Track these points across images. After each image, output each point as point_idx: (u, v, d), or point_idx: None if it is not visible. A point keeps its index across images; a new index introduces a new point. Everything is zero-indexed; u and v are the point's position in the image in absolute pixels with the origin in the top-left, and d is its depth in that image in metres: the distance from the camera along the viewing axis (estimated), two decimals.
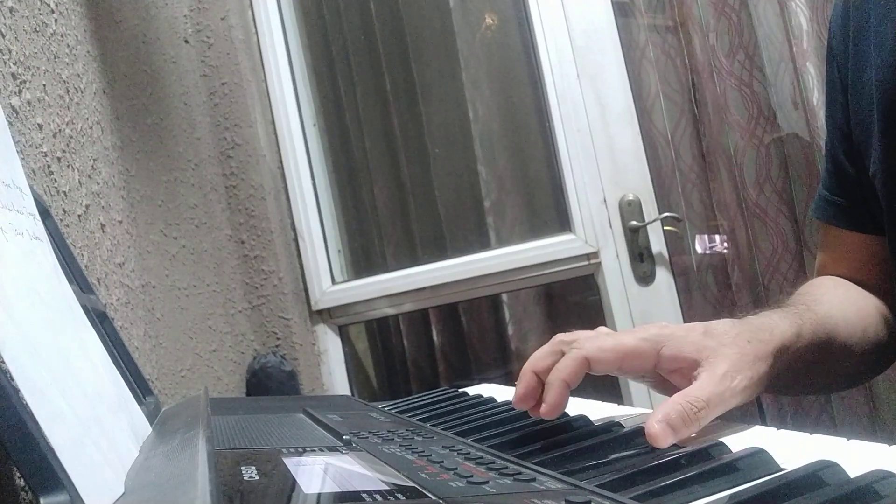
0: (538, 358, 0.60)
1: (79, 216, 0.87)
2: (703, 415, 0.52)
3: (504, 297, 1.85)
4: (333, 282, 1.72)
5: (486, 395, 0.83)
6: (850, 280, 0.81)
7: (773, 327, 0.61)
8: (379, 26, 1.82)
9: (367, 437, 0.57)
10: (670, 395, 0.54)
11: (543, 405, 0.56)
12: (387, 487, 0.40)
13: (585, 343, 0.57)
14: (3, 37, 0.76)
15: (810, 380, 0.70)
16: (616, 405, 0.67)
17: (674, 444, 0.51)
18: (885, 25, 0.72)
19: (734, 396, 0.54)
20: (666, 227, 1.53)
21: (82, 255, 0.85)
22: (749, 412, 1.54)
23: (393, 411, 0.79)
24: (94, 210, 0.92)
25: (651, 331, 0.58)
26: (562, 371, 0.56)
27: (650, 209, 1.51)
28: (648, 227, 1.51)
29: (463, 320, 1.91)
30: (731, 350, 0.56)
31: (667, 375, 0.59)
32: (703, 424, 0.52)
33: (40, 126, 0.80)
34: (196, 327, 1.29)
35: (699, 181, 1.59)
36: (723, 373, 0.54)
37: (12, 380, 0.38)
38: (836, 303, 0.73)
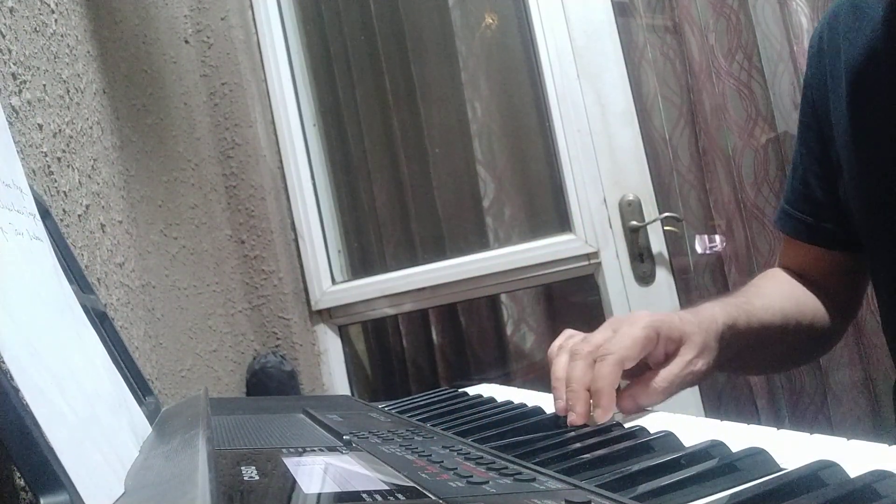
0: (581, 373, 0.65)
1: (79, 216, 0.87)
2: (666, 393, 0.65)
3: (504, 297, 1.85)
4: (333, 282, 1.72)
5: (486, 395, 0.83)
6: (805, 279, 0.90)
7: (714, 317, 0.72)
8: (378, 26, 1.82)
9: (367, 437, 0.57)
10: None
11: (599, 410, 0.62)
12: (387, 487, 0.40)
13: (610, 346, 0.65)
14: (3, 37, 0.76)
15: (746, 361, 0.83)
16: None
17: (674, 444, 0.51)
18: (854, 58, 0.77)
19: (694, 378, 0.68)
20: (666, 227, 1.53)
21: (82, 255, 0.85)
22: (748, 411, 1.54)
23: (393, 411, 0.79)
24: (94, 210, 0.92)
25: (644, 319, 0.67)
26: (607, 377, 0.63)
27: (650, 209, 1.51)
28: (648, 227, 1.51)
29: (463, 320, 1.91)
30: (698, 338, 0.68)
31: (651, 354, 0.67)
32: (663, 399, 0.65)
33: (40, 126, 0.80)
34: (196, 327, 1.29)
35: (697, 182, 1.59)
36: (690, 359, 0.67)
37: (12, 380, 0.38)
38: (776, 296, 0.84)
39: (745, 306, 0.78)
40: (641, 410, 0.64)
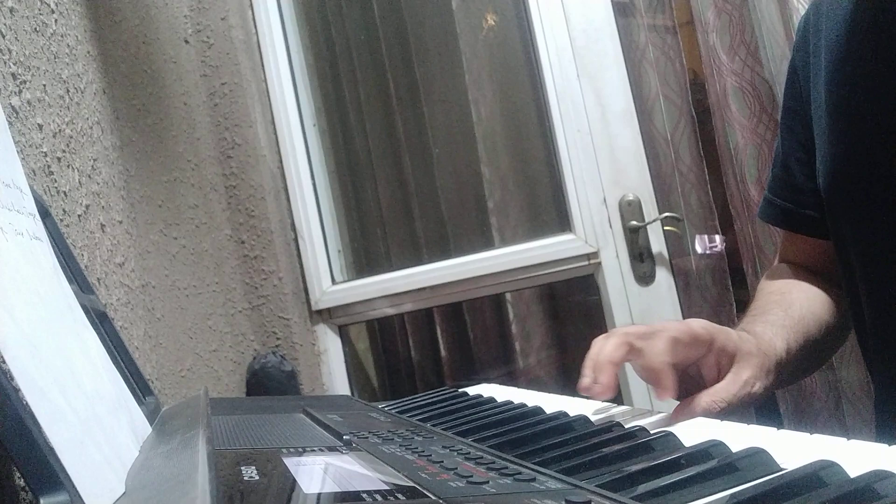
0: (612, 348, 0.62)
1: (79, 216, 0.87)
2: (720, 410, 0.61)
3: (504, 296, 1.85)
4: (333, 282, 1.72)
5: (486, 395, 0.83)
6: (809, 271, 0.89)
7: (774, 344, 0.71)
8: (380, 26, 1.82)
9: (367, 437, 0.57)
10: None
11: (662, 391, 0.60)
12: (387, 487, 0.40)
13: (665, 326, 0.62)
14: (3, 37, 0.76)
15: (789, 378, 0.79)
16: (616, 405, 0.67)
17: (674, 444, 0.51)
18: (833, 33, 0.77)
19: (750, 399, 0.64)
20: (666, 227, 1.53)
21: (82, 255, 0.85)
22: (748, 411, 1.54)
23: (393, 411, 0.79)
24: (94, 210, 0.92)
25: (702, 323, 0.64)
26: (661, 354, 0.60)
27: (650, 209, 1.51)
28: (648, 227, 1.51)
29: (463, 320, 1.91)
30: (756, 360, 0.66)
31: (702, 364, 0.65)
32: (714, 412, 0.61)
33: (40, 126, 0.80)
34: (196, 327, 1.29)
35: (698, 181, 1.59)
36: (746, 379, 0.64)
37: (12, 380, 0.38)
38: (805, 304, 0.82)
39: (789, 323, 0.76)
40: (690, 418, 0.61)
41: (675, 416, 0.60)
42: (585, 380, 0.61)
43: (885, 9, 0.72)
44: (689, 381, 0.66)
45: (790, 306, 0.80)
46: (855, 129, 0.74)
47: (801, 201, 0.85)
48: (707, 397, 0.62)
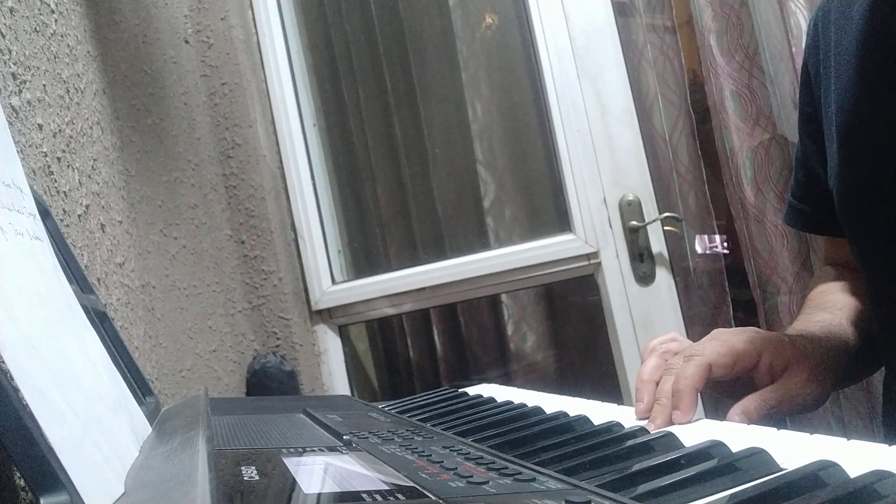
0: (652, 371, 0.63)
1: (79, 216, 0.87)
2: (770, 414, 0.61)
3: (504, 297, 1.85)
4: (333, 282, 1.72)
5: (486, 395, 0.83)
6: (848, 266, 0.88)
7: (834, 355, 0.70)
8: (379, 26, 1.82)
9: (367, 437, 0.57)
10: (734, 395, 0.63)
11: (678, 413, 0.59)
12: (387, 487, 0.40)
13: (703, 349, 0.62)
14: (3, 37, 0.76)
15: (856, 375, 0.81)
16: (616, 405, 0.67)
17: (674, 444, 0.51)
18: (841, 49, 0.77)
19: (800, 406, 0.64)
20: (666, 228, 1.53)
21: (82, 255, 0.85)
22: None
23: (393, 411, 0.79)
24: (94, 210, 0.92)
25: (749, 334, 0.64)
26: (690, 378, 0.60)
27: (650, 209, 1.51)
28: (648, 227, 1.51)
29: (463, 320, 1.91)
30: (808, 364, 0.65)
31: (755, 374, 0.64)
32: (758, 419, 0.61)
33: (40, 126, 0.80)
34: (196, 327, 1.29)
35: (697, 182, 1.59)
36: (798, 384, 0.63)
37: (12, 380, 0.38)
38: (852, 304, 0.81)
39: (847, 335, 0.76)
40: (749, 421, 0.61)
41: (729, 417, 0.61)
42: (640, 405, 0.62)
43: (894, 27, 0.72)
44: (742, 387, 0.65)
45: (841, 308, 0.80)
46: (864, 151, 0.74)
47: (826, 204, 0.85)
48: (758, 399, 0.62)
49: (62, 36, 0.92)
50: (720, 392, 0.69)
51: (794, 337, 0.68)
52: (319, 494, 0.40)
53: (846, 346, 0.74)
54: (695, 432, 0.53)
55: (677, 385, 0.60)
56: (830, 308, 0.81)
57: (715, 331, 0.67)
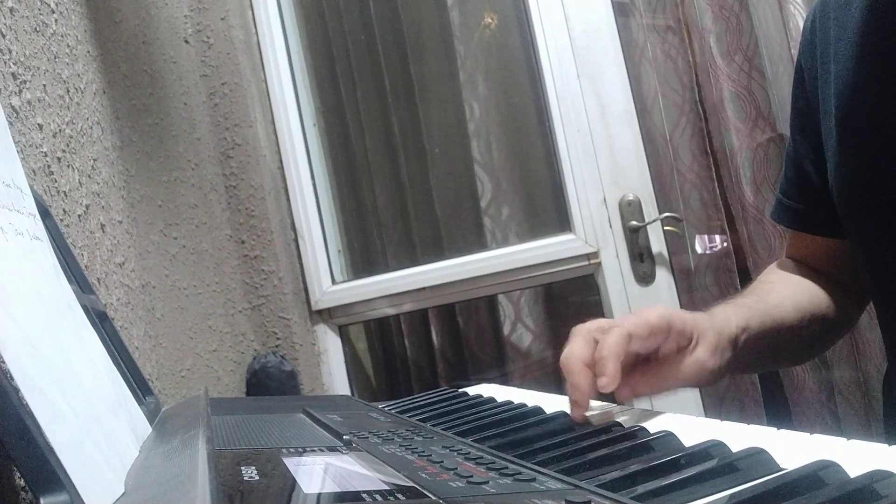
0: (579, 349, 0.65)
1: (79, 216, 0.87)
2: (666, 385, 0.66)
3: (504, 297, 1.85)
4: (333, 282, 1.72)
5: (486, 395, 0.83)
6: (813, 269, 0.90)
7: (728, 320, 0.72)
8: (378, 26, 1.82)
9: (367, 437, 0.57)
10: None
11: (603, 378, 0.61)
12: (387, 487, 0.40)
13: (622, 322, 0.65)
14: (3, 37, 0.76)
15: (761, 361, 0.83)
16: (616, 405, 0.67)
17: (674, 444, 0.52)
18: (842, 42, 0.77)
19: (704, 377, 0.67)
20: (666, 227, 1.53)
21: (82, 255, 0.85)
22: (755, 413, 1.54)
23: (393, 411, 0.79)
24: (94, 210, 0.92)
25: (659, 311, 0.67)
26: (611, 346, 0.62)
27: (650, 209, 1.51)
28: (648, 227, 1.51)
29: (463, 320, 1.91)
30: (711, 338, 0.68)
31: (662, 347, 0.67)
32: (663, 391, 0.67)
33: (40, 126, 0.80)
34: (196, 327, 1.29)
35: (698, 181, 1.59)
36: (700, 355, 0.67)
37: (12, 380, 0.38)
38: (788, 291, 0.84)
39: (757, 306, 0.78)
40: (636, 398, 0.65)
41: (620, 394, 0.63)
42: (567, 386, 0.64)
43: (894, 21, 0.72)
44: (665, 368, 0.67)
45: (768, 294, 0.82)
46: (865, 144, 0.74)
47: (815, 203, 0.85)
48: (654, 372, 0.65)
49: (62, 36, 0.92)
50: (647, 374, 0.69)
51: (695, 314, 0.70)
52: (319, 494, 0.40)
53: (758, 329, 0.75)
54: (695, 432, 0.53)
55: (600, 353, 0.62)
56: (768, 292, 0.83)
57: (623, 315, 0.69)
